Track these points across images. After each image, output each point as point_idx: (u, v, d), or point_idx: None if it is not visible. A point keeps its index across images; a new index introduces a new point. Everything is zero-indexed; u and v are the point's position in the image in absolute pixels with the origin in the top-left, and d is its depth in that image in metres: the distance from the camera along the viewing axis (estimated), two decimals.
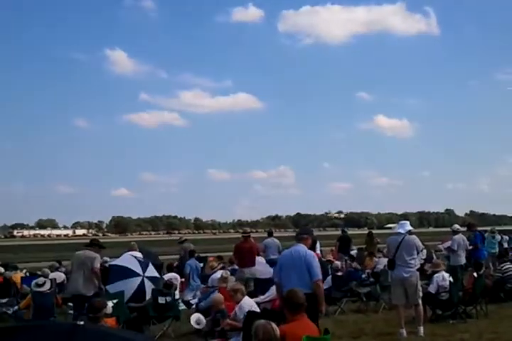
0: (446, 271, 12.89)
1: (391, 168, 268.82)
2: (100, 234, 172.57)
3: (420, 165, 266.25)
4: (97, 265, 11.08)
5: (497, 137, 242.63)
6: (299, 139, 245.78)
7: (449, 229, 17.36)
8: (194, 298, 14.84)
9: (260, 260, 14.98)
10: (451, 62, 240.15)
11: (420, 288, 10.71)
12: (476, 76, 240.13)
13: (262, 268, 14.41)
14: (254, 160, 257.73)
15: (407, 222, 11.10)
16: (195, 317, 10.14)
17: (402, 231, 10.74)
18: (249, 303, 9.15)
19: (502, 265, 14.67)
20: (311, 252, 8.32)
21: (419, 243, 10.71)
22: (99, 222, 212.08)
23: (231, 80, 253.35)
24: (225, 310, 9.53)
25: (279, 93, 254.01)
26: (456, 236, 15.76)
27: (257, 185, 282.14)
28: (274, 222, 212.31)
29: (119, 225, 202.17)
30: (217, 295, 10.29)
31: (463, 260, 15.52)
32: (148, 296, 11.93)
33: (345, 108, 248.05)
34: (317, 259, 8.40)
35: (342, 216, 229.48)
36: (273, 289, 10.94)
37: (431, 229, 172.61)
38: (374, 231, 22.83)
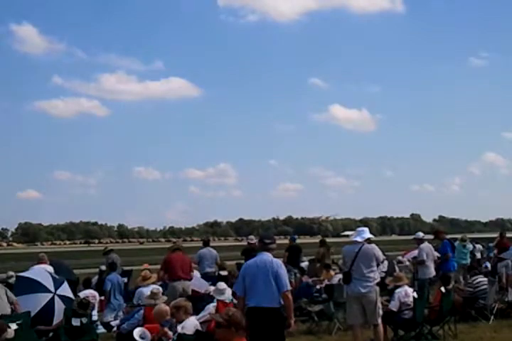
0: (411, 286, 13.08)
1: (349, 167, 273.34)
2: (4, 244, 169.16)
3: (383, 163, 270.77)
4: None
5: (471, 131, 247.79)
6: (242, 132, 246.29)
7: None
8: (115, 319, 14.68)
9: (194, 273, 14.92)
10: (419, 45, 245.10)
11: (380, 306, 10.85)
12: (448, 60, 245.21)
13: (196, 283, 14.37)
14: (190, 156, 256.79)
15: (366, 229, 11.25)
16: (139, 331, 9.98)
17: (359, 239, 10.87)
18: (193, 324, 9.16)
19: (474, 278, 14.94)
20: (277, 261, 8.63)
21: (379, 253, 10.86)
22: (2, 229, 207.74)
23: (162, 62, 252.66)
24: (173, 320, 9.47)
25: (219, 78, 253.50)
26: (423, 245, 16.10)
27: (192, 185, 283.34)
28: (212, 230, 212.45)
29: (27, 233, 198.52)
30: (160, 306, 10.18)
31: (432, 272, 15.81)
32: (56, 319, 11.67)
33: (296, 96, 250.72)
34: (285, 267, 8.72)
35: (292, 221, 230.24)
36: (209, 308, 10.89)
37: (394, 236, 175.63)
38: (329, 240, 23.01)
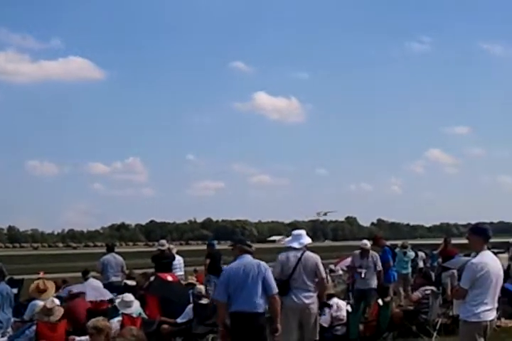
0: (345, 298, 13.16)
1: (276, 163, 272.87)
2: None
3: (314, 159, 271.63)
4: None
5: (412, 124, 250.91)
6: (154, 122, 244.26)
7: (351, 243, 17.86)
8: (3, 336, 14.39)
9: (95, 284, 14.80)
10: (353, 26, 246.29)
11: (318, 320, 11.03)
12: (385, 44, 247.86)
13: (95, 293, 14.27)
14: (93, 148, 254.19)
15: (303, 233, 11.28)
16: None
17: (296, 245, 10.92)
18: None
19: (421, 289, 15.07)
20: (264, 263, 9.36)
21: (321, 267, 10.97)
22: None
23: (60, 39, 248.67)
24: None
25: (126, 59, 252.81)
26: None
27: (96, 182, 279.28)
28: (119, 233, 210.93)
29: None
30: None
31: (374, 283, 15.93)
32: None
33: (216, 82, 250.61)
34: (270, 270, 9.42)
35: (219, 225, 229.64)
36: (114, 322, 10.80)
37: (327, 242, 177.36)
38: (254, 245, 22.91)
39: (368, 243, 16.56)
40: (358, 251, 16.27)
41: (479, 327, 8.25)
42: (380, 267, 16.07)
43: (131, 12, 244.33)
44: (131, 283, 16.78)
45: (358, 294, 15.89)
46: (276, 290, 9.20)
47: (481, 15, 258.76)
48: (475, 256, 8.54)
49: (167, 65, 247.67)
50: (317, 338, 10.83)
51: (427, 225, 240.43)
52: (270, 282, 9.15)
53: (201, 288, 15.67)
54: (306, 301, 10.64)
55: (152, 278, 15.45)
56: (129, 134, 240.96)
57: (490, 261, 8.44)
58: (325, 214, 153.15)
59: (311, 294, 10.71)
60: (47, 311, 11.58)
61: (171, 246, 19.97)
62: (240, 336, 8.84)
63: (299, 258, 10.75)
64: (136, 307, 12.17)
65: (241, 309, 8.98)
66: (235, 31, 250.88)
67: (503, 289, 15.88)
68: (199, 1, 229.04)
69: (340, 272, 22.88)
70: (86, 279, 15.93)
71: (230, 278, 9.17)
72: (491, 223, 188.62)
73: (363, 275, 15.68)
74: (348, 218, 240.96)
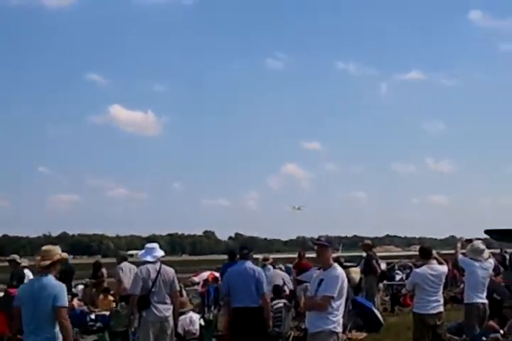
0: (199, 312, 13.15)
1: (133, 177, 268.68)
2: None
3: (171, 172, 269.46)
4: None
5: (270, 139, 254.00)
6: (4, 132, 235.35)
7: (209, 257, 17.92)
8: None
9: None
10: (211, 39, 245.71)
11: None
12: (243, 60, 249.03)
13: None
14: None
15: (156, 246, 11.36)
16: None
17: (150, 259, 10.98)
18: None
19: (273, 303, 15.19)
20: (259, 268, 11.67)
21: (176, 282, 11.15)
22: None
23: None
24: None
25: None
26: None
27: None
28: None
29: None
30: None
31: None
32: None
33: (70, 94, 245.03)
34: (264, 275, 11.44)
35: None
36: None
37: (185, 256, 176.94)
38: (109, 260, 22.67)
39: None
40: None
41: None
42: None
43: None
44: None
45: None
46: (266, 290, 11.29)
47: (336, 34, 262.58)
48: None
49: (16, 75, 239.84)
50: None
51: (284, 239, 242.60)
52: (263, 283, 11.10)
53: None
54: (166, 314, 10.76)
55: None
56: None
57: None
58: (298, 208, 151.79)
59: (169, 306, 10.84)
60: None
61: (24, 260, 19.43)
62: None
63: (158, 271, 10.84)
64: None
65: (239, 305, 10.93)
66: (89, 41, 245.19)
67: (354, 301, 16.45)
68: (51, 8, 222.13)
69: (196, 286, 22.79)
70: None
71: (229, 279, 11.26)
72: (345, 237, 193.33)
73: None
74: (205, 232, 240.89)
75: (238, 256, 12.19)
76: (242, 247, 11.86)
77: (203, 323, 12.75)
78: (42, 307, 7.99)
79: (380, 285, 21.96)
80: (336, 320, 8.54)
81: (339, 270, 8.68)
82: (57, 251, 8.42)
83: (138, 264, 11.70)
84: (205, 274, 23.70)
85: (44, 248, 8.46)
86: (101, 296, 18.38)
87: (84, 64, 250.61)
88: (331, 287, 8.48)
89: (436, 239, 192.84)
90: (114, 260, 16.94)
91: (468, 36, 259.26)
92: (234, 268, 11.56)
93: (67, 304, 8.25)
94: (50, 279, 8.14)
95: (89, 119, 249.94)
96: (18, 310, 8.27)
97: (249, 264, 11.28)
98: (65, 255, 8.65)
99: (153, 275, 10.81)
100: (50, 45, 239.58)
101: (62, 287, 8.17)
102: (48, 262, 8.20)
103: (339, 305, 8.55)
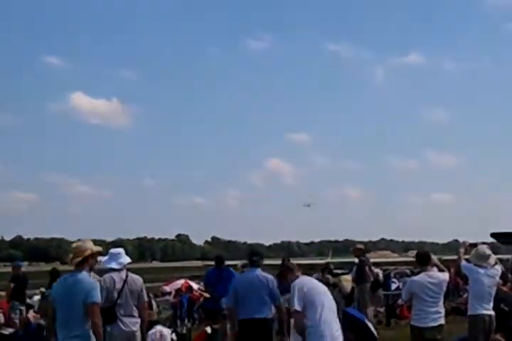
0: (170, 326, 12.70)
1: (96, 173, 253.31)
2: None
3: (140, 168, 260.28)
4: None
5: (251, 130, 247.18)
6: None
7: (182, 264, 16.83)
8: None
9: None
10: (189, 23, 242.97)
11: None
12: (218, 42, 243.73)
13: None
14: None
15: (122, 251, 10.71)
16: None
17: (115, 266, 10.32)
18: None
19: None
20: (271, 276, 11.25)
21: (144, 292, 10.45)
22: None
23: None
24: None
25: None
26: None
27: None
28: None
29: None
30: None
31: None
32: None
33: (24, 79, 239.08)
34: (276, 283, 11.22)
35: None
36: None
37: (155, 263, 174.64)
38: (68, 268, 21.22)
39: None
40: None
41: None
42: None
43: None
44: None
45: None
46: (281, 299, 11.10)
47: (325, 10, 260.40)
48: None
49: None
50: None
51: (267, 243, 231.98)
52: (276, 292, 10.91)
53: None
54: (134, 328, 10.15)
55: None
56: None
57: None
58: (308, 205, 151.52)
59: (136, 320, 10.22)
60: None
61: None
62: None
63: (125, 281, 10.20)
64: None
65: (247, 316, 10.66)
66: (46, 20, 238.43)
67: (345, 313, 15.35)
68: None
69: (168, 297, 21.69)
70: None
71: (237, 287, 10.97)
72: (336, 241, 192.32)
73: None
74: (178, 236, 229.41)
75: (248, 263, 11.71)
76: (253, 253, 11.74)
77: (175, 338, 12.27)
78: (74, 303, 8.18)
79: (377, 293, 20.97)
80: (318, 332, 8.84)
81: (296, 280, 9.31)
82: (88, 246, 8.67)
83: (101, 272, 10.68)
84: (178, 283, 23.37)
85: (74, 245, 8.78)
86: None
87: (41, 45, 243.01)
88: (292, 300, 9.16)
89: (437, 244, 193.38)
90: (73, 268, 15.44)
91: (476, 14, 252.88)
92: (243, 276, 11.85)
93: (99, 300, 8.40)
94: (84, 276, 8.43)
95: (46, 108, 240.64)
96: (52, 306, 8.48)
97: (260, 272, 11.22)
98: (97, 248, 8.78)
99: (118, 285, 10.15)
100: (1, 21, 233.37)
101: (95, 284, 8.52)
102: (79, 259, 8.43)
103: (314, 315, 8.88)
